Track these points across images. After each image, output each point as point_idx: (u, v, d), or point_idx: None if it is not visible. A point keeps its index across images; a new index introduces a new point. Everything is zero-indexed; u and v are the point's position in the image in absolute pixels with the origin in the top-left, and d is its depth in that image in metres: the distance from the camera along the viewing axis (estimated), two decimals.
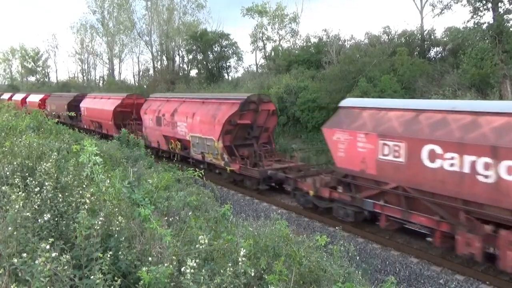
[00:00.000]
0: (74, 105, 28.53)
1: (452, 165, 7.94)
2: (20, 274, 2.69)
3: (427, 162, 8.34)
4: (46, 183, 4.06)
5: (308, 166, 14.18)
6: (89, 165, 4.24)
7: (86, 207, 3.42)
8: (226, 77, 40.51)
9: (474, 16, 16.37)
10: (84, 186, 4.38)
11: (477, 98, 16.08)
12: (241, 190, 14.57)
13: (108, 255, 2.91)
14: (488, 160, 7.38)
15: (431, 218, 8.45)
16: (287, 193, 13.47)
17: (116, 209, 4.00)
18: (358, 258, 7.52)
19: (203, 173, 5.49)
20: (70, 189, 4.40)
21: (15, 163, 5.05)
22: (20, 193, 3.45)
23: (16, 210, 3.17)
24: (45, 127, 9.63)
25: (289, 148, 19.92)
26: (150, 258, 3.26)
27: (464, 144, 7.75)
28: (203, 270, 3.08)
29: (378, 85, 20.25)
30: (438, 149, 8.14)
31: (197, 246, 3.44)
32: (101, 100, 25.83)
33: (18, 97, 44.72)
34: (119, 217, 3.70)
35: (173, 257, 3.27)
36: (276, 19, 39.20)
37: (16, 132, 7.88)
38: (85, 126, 26.90)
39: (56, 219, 3.66)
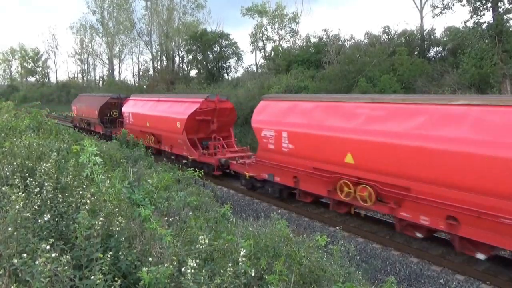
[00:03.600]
0: None
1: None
2: (20, 275, 2.69)
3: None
4: (46, 184, 4.06)
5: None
6: (89, 166, 4.24)
7: (87, 207, 3.42)
8: (226, 77, 40.53)
9: (474, 16, 16.40)
10: (84, 186, 4.38)
11: None
12: (242, 190, 14.61)
13: (108, 256, 2.91)
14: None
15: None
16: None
17: (116, 209, 4.00)
18: (358, 258, 7.53)
19: (202, 174, 5.51)
20: (70, 189, 4.40)
21: (15, 163, 5.05)
22: (20, 193, 3.45)
23: (16, 211, 3.17)
24: (45, 128, 9.63)
25: None
26: (150, 259, 3.26)
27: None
28: (203, 270, 3.07)
29: (378, 85, 20.27)
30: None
31: (197, 246, 3.44)
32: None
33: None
34: (119, 217, 3.70)
35: (173, 257, 3.27)
36: (276, 19, 39.23)
37: (16, 132, 7.88)
38: None
39: (56, 220, 3.66)
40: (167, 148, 18.20)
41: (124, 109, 22.15)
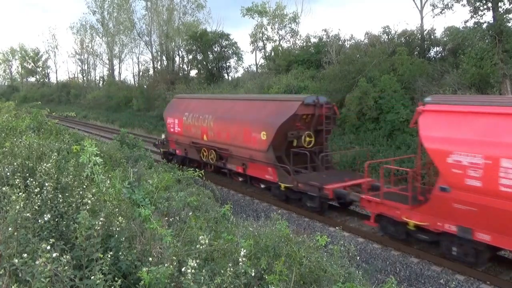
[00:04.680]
0: None
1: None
2: (20, 275, 2.69)
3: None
4: (47, 184, 4.07)
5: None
6: (89, 166, 4.24)
7: (87, 207, 3.43)
8: (226, 77, 40.50)
9: (474, 16, 16.38)
10: (84, 186, 4.39)
11: None
12: (242, 190, 14.58)
13: (109, 256, 2.91)
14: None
15: None
16: None
17: (117, 210, 4.01)
18: (358, 258, 7.53)
19: (203, 173, 5.52)
20: (70, 189, 4.40)
21: (15, 163, 5.06)
22: (20, 193, 3.45)
23: (16, 211, 3.17)
24: (45, 128, 9.64)
25: None
26: (150, 259, 3.27)
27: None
28: (204, 270, 3.08)
29: (378, 85, 20.25)
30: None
31: (197, 246, 3.44)
32: None
33: None
34: (120, 218, 3.71)
35: (174, 257, 3.27)
36: (276, 19, 39.16)
37: (17, 132, 7.89)
38: None
39: (56, 220, 3.66)
40: None
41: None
